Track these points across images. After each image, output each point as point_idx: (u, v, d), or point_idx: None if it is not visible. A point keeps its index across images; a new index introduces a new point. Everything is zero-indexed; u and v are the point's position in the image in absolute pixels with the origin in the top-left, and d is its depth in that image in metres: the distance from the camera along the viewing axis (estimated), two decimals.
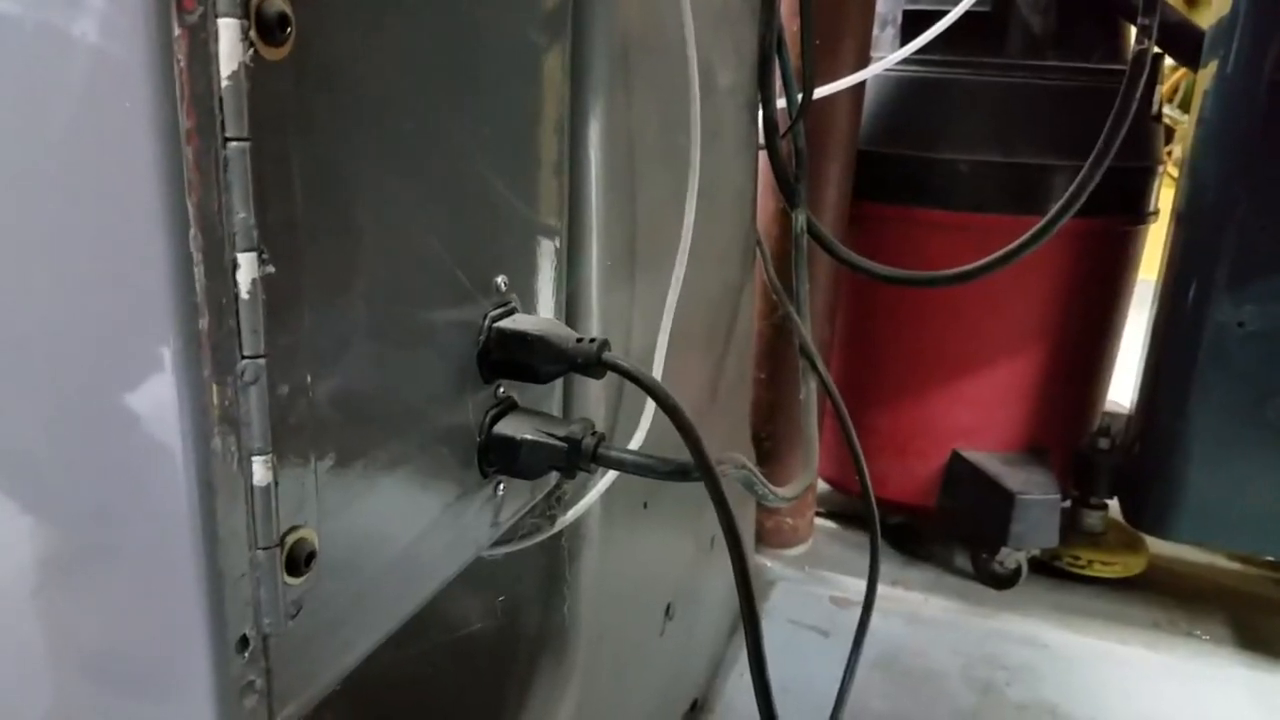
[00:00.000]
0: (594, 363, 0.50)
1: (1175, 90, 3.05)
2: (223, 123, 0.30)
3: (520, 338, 0.50)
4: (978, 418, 1.41)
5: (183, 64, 0.28)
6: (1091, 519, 1.42)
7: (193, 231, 0.30)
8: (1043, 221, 0.96)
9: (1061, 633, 1.30)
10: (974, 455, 1.40)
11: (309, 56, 0.33)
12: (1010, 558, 1.37)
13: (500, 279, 0.50)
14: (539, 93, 0.52)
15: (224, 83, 0.29)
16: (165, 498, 0.33)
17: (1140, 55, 0.90)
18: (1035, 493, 1.31)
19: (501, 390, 0.52)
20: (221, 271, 0.31)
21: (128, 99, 0.29)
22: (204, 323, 0.31)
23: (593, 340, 0.50)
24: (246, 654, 0.35)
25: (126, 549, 0.35)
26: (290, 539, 0.36)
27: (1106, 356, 1.44)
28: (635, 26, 0.62)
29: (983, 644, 1.26)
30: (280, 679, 0.38)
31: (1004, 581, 1.39)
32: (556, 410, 0.60)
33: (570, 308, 0.60)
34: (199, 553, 0.33)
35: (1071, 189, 0.93)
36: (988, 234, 1.16)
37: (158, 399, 0.32)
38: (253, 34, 0.30)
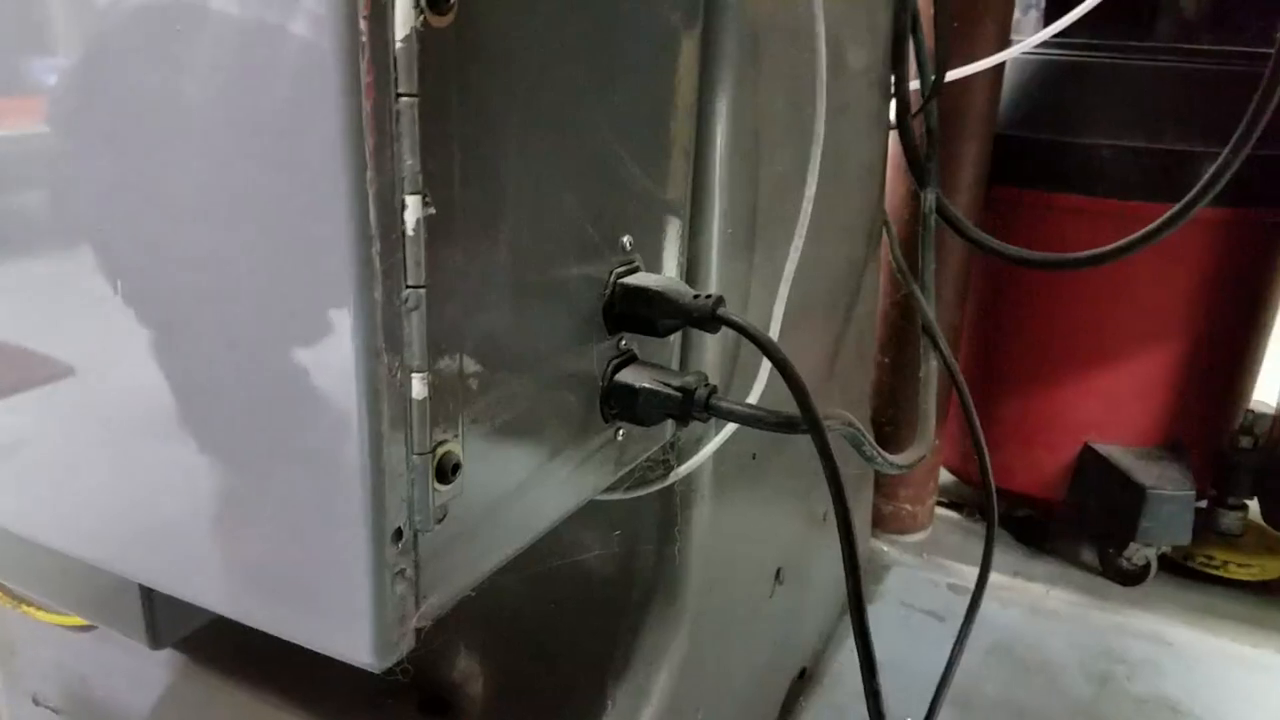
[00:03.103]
0: (709, 318, 0.53)
1: None
2: (396, 79, 0.35)
3: (642, 292, 0.53)
4: (1111, 410, 1.38)
5: (365, 27, 0.33)
6: (1229, 519, 1.36)
7: (369, 173, 0.35)
8: (1177, 206, 0.94)
9: (1189, 632, 1.25)
10: (1106, 448, 1.37)
11: (468, 25, 0.38)
12: (1139, 554, 1.33)
13: (626, 238, 0.54)
14: (671, 64, 0.56)
15: (398, 45, 0.34)
16: (339, 404, 0.38)
17: None
18: (1168, 488, 1.27)
19: (623, 343, 0.56)
20: (391, 210, 0.36)
21: (319, 56, 0.34)
22: (376, 253, 0.36)
23: (709, 296, 0.53)
24: (400, 544, 0.41)
25: (302, 451, 0.41)
26: (440, 450, 0.41)
27: (1252, 352, 1.38)
28: (766, 3, 0.65)
29: (1104, 638, 1.23)
30: (426, 573, 0.43)
31: (1131, 578, 1.36)
32: (674, 367, 0.64)
33: (690, 272, 0.64)
34: (365, 451, 0.38)
35: (1209, 174, 0.90)
36: (1129, 222, 1.13)
37: (336, 318, 0.37)
38: (423, 3, 0.35)
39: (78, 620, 0.80)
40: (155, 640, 0.58)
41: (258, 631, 0.46)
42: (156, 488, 0.47)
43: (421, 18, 0.35)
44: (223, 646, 0.77)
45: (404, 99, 0.35)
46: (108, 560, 0.51)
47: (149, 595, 0.58)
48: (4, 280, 0.48)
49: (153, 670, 0.79)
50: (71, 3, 0.40)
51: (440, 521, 0.43)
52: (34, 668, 0.90)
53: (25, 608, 0.81)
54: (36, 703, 0.90)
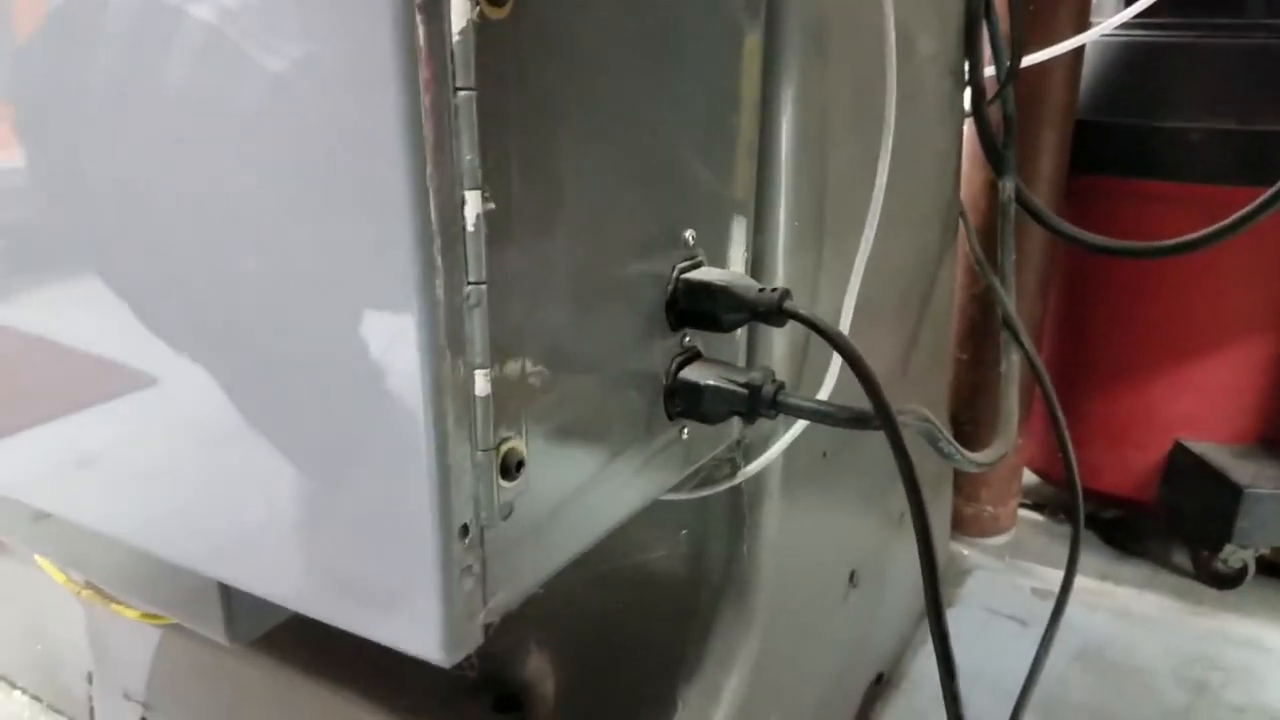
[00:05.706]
0: (774, 311, 0.51)
1: None
2: (454, 74, 0.35)
3: (705, 288, 0.52)
4: (1203, 406, 1.31)
5: (422, 22, 0.33)
6: None
7: (429, 169, 0.35)
8: (1272, 190, 0.89)
9: None
10: (1199, 446, 1.31)
11: (526, 17, 0.37)
12: (1235, 556, 1.27)
13: (689, 233, 0.53)
14: (734, 55, 0.55)
15: (455, 38, 0.34)
16: (405, 402, 0.38)
17: None
18: (1267, 487, 1.21)
19: (687, 340, 0.55)
20: (452, 206, 0.36)
21: (377, 52, 0.34)
22: (438, 250, 0.36)
23: (774, 289, 0.52)
24: (467, 540, 0.41)
25: (371, 450, 0.41)
26: (504, 447, 0.41)
27: None
28: None
29: (1198, 644, 1.18)
30: (493, 570, 0.43)
31: (1227, 581, 1.29)
32: (741, 364, 0.62)
33: (756, 267, 0.62)
34: (431, 448, 0.38)
35: None
36: (1221, 208, 1.07)
37: (400, 317, 0.37)
38: None
39: (164, 618, 0.82)
40: (234, 636, 0.60)
41: (335, 629, 0.46)
42: (233, 490, 0.48)
43: (478, 10, 0.35)
44: (302, 643, 0.79)
45: (462, 93, 0.35)
46: (188, 559, 0.52)
47: (227, 593, 0.59)
48: (84, 293, 0.50)
49: (234, 666, 0.81)
50: (119, 8, 0.41)
51: (506, 518, 0.43)
52: (125, 665, 0.93)
53: (115, 606, 0.84)
54: (127, 698, 0.93)
